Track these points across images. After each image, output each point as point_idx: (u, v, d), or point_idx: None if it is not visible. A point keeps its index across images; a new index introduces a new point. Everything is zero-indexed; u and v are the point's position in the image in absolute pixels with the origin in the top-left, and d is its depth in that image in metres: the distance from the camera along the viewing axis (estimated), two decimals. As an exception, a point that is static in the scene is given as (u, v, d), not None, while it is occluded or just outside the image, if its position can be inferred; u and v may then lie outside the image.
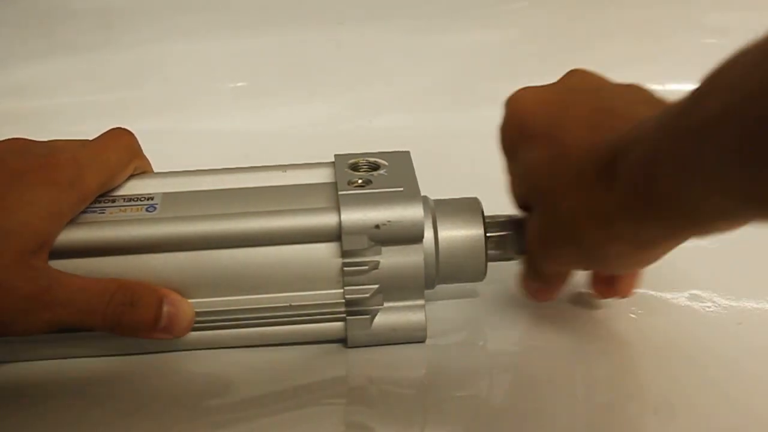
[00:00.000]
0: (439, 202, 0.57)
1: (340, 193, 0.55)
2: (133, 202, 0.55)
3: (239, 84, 0.72)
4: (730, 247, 0.62)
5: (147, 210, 0.55)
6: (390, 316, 0.56)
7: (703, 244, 0.60)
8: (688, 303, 0.60)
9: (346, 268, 0.54)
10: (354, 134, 0.73)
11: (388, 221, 0.54)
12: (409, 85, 0.74)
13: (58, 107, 0.70)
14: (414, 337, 0.56)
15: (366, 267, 0.54)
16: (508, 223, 0.58)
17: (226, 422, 0.52)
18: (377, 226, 0.54)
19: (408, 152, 0.58)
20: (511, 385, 0.55)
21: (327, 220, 0.54)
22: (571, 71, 0.54)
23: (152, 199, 0.55)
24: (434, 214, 0.56)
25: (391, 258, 0.54)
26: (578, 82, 0.54)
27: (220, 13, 0.73)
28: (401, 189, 0.55)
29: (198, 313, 0.54)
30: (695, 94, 0.40)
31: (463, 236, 0.56)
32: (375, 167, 0.57)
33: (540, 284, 0.57)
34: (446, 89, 0.74)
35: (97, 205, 0.55)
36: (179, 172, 0.57)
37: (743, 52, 0.37)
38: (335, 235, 0.54)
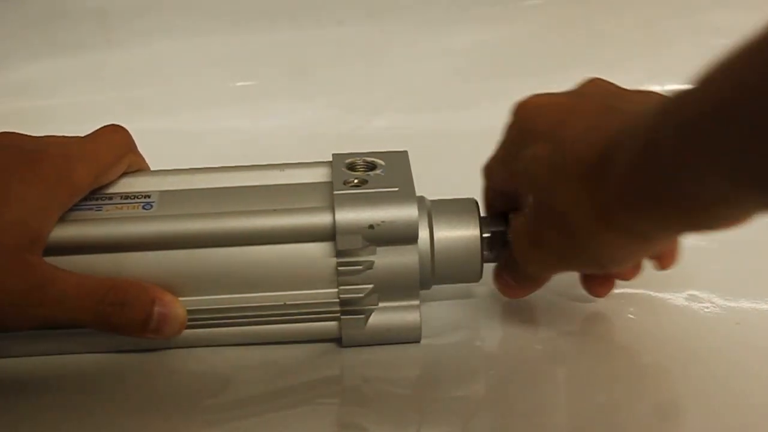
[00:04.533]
0: (436, 203, 0.57)
1: (335, 192, 0.55)
2: (129, 200, 0.55)
3: (239, 84, 0.73)
4: (727, 247, 0.62)
5: (144, 208, 0.55)
6: (385, 316, 0.56)
7: (702, 245, 0.60)
8: (686, 303, 0.60)
9: (340, 268, 0.54)
10: (353, 134, 0.73)
11: (383, 221, 0.54)
12: (408, 85, 0.74)
13: (58, 107, 0.70)
14: (409, 337, 0.56)
15: (360, 267, 0.54)
16: (504, 223, 0.58)
17: (220, 421, 0.52)
18: (371, 226, 0.54)
19: (406, 152, 0.58)
20: (508, 386, 0.55)
21: (321, 219, 0.54)
22: (588, 80, 0.54)
23: (149, 197, 0.56)
24: (430, 214, 0.56)
25: (386, 258, 0.54)
26: (591, 88, 0.54)
27: (219, 13, 0.73)
28: (396, 189, 0.55)
29: (192, 311, 0.54)
30: (703, 82, 0.39)
31: (459, 237, 0.56)
32: (372, 167, 0.57)
33: (517, 284, 0.57)
34: (446, 89, 0.74)
35: (94, 202, 0.55)
36: (177, 170, 0.58)
37: (748, 43, 0.37)
38: (330, 234, 0.54)
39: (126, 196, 0.56)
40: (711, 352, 0.57)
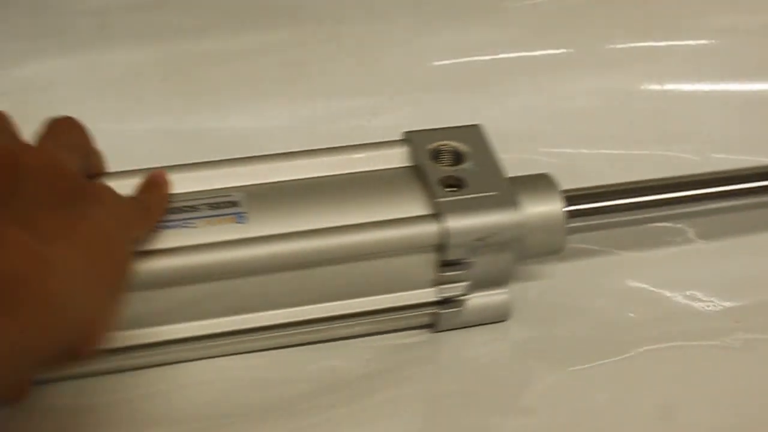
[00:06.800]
0: (513, 180, 0.56)
1: (436, 200, 0.53)
2: (218, 210, 0.52)
3: (238, 83, 0.72)
4: (728, 246, 0.63)
5: (237, 221, 0.52)
6: (476, 302, 0.56)
7: (702, 244, 0.61)
8: (688, 302, 0.61)
9: (442, 274, 0.54)
10: (354, 134, 0.73)
11: (492, 233, 0.53)
12: (409, 85, 0.74)
13: (57, 107, 0.69)
14: (498, 317, 0.57)
15: (463, 271, 0.54)
16: (584, 196, 0.58)
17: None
18: (480, 239, 0.53)
19: (478, 126, 0.58)
20: (520, 385, 0.56)
21: (427, 230, 0.53)
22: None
23: (236, 204, 0.53)
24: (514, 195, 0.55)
25: (486, 256, 0.54)
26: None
27: (219, 12, 0.72)
28: (497, 193, 0.54)
29: (283, 324, 0.54)
30: None
31: (545, 213, 0.55)
32: (457, 156, 0.56)
33: None
34: (446, 89, 0.74)
35: (179, 215, 0.52)
36: (250, 159, 0.55)
37: None
38: (435, 246, 0.53)
39: (212, 205, 0.52)
40: (711, 351, 0.57)
